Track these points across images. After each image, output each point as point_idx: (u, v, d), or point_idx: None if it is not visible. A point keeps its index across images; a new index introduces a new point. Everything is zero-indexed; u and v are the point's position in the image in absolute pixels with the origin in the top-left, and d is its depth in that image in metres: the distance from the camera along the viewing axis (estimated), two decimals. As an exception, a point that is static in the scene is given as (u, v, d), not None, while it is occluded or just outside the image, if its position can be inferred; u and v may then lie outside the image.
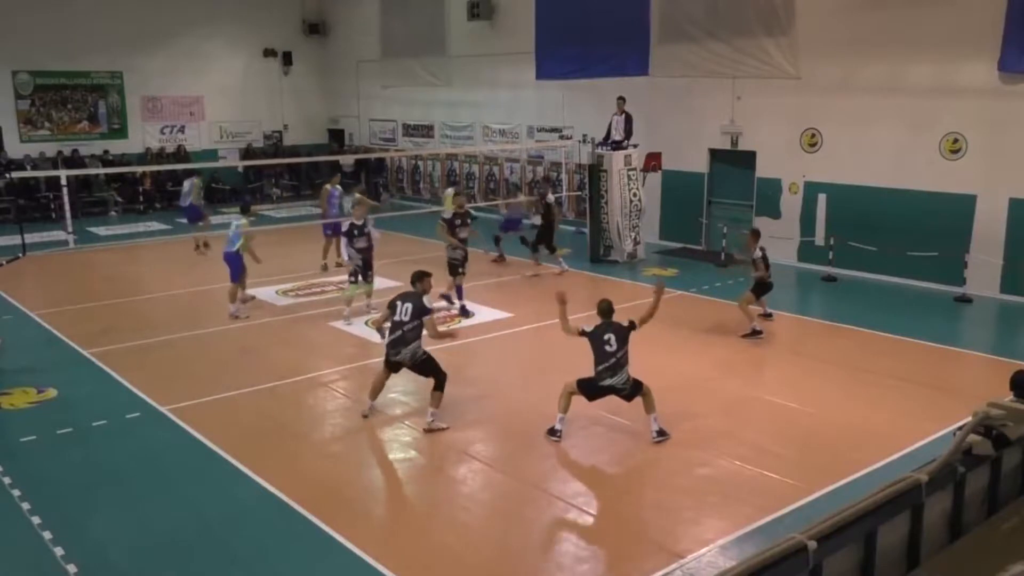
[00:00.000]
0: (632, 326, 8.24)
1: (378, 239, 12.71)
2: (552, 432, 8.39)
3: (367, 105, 26.37)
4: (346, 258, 12.32)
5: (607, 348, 8.11)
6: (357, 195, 14.84)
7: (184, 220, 18.28)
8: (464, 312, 12.89)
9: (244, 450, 8.13)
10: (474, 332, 12.06)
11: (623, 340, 8.17)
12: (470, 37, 21.94)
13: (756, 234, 12.17)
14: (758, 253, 11.93)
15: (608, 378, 8.18)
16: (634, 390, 8.30)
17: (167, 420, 8.96)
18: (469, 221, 13.41)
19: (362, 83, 26.23)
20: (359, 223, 12.35)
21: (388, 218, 18.19)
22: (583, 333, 8.26)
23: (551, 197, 16.48)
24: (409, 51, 23.80)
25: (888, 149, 14.65)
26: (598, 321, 8.35)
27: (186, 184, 18.07)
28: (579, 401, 8.38)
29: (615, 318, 8.36)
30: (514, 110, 21.53)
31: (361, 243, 12.30)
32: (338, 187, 16.52)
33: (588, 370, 8.20)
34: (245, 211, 13.43)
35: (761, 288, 12.07)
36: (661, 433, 8.34)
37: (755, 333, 11.79)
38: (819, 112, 15.50)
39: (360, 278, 12.43)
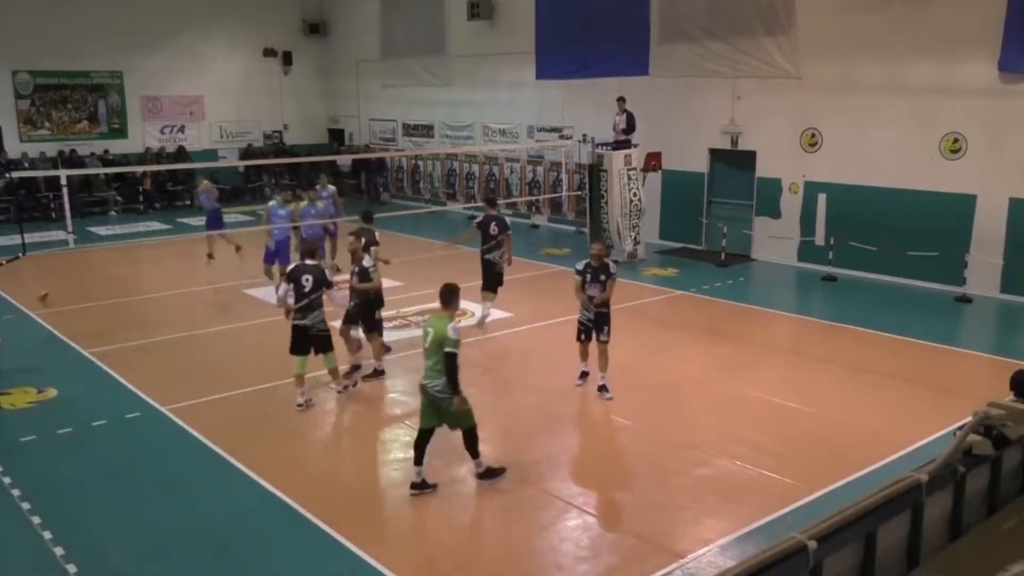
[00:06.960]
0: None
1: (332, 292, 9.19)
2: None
3: (367, 105, 26.36)
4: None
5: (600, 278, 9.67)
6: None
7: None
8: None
9: (244, 450, 8.14)
10: (474, 332, 12.05)
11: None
12: (470, 37, 21.93)
13: (360, 233, 10.40)
14: (368, 262, 9.76)
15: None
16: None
17: (167, 420, 8.97)
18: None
19: (362, 83, 26.22)
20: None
21: (389, 219, 18.15)
22: (579, 272, 9.49)
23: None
24: (409, 51, 23.79)
25: (888, 149, 14.65)
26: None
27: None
28: (579, 403, 8.38)
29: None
30: (514, 110, 21.51)
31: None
32: (329, 187, 15.62)
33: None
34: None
35: (368, 306, 9.79)
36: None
37: (377, 374, 10.10)
38: (819, 112, 15.49)
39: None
